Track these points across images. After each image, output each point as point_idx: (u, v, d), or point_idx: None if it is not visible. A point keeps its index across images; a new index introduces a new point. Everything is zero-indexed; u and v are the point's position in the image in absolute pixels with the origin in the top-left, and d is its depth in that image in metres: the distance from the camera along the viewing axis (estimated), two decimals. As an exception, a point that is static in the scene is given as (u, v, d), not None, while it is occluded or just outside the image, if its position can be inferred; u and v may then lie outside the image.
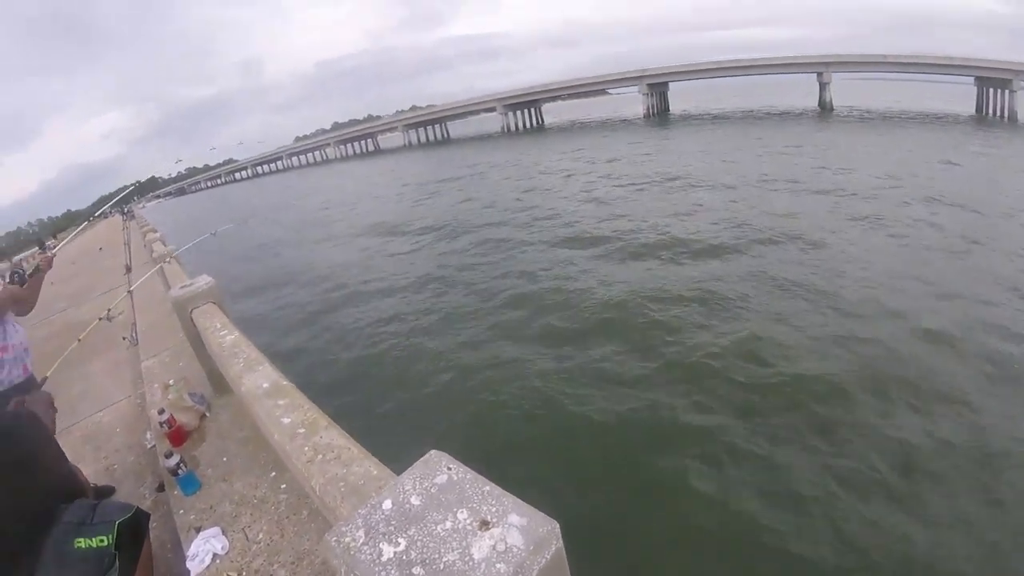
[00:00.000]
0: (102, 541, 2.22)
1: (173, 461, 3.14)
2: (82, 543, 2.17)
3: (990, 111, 47.88)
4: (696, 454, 5.74)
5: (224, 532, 2.72)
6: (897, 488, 5.10)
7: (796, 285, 9.84)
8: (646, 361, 7.74)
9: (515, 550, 0.93)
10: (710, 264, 11.51)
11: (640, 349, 8.10)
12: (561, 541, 0.97)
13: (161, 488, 3.52)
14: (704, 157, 27.97)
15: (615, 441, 6.14)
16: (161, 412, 3.70)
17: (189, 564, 2.61)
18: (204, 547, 2.66)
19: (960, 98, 55.94)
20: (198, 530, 2.80)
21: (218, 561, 2.57)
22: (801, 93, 70.78)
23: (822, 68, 55.79)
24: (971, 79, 49.72)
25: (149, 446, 4.12)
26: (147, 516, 2.66)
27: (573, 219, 17.29)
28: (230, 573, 2.45)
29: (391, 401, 7.68)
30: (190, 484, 3.17)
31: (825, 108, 55.43)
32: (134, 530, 2.43)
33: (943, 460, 5.41)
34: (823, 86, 56.39)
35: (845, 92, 69.56)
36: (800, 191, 18.00)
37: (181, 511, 3.02)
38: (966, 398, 6.33)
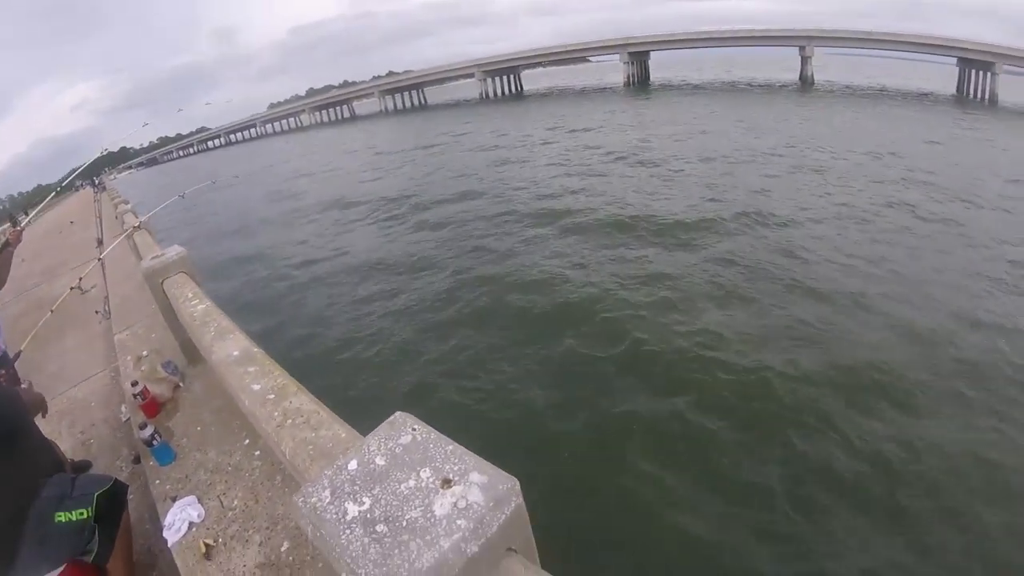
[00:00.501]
0: (82, 514, 2.22)
1: (147, 432, 3.13)
2: (63, 517, 2.17)
3: (971, 93, 48.27)
4: (651, 429, 5.86)
5: (200, 500, 2.73)
6: (854, 478, 5.17)
7: (760, 267, 9.78)
8: (608, 342, 7.67)
9: (476, 506, 0.95)
10: (674, 242, 11.39)
11: (601, 328, 8.03)
12: (521, 497, 0.98)
13: (137, 460, 3.50)
14: (680, 129, 27.72)
15: (580, 416, 6.22)
16: (134, 384, 3.65)
17: (166, 533, 2.62)
18: (180, 516, 2.67)
19: (942, 78, 56.12)
20: (174, 499, 2.80)
21: (194, 529, 2.58)
22: (782, 67, 70.28)
23: (804, 42, 55.53)
24: (954, 60, 50.01)
25: (124, 419, 4.08)
26: (125, 487, 2.66)
27: (543, 192, 16.96)
28: (206, 540, 2.46)
29: (355, 371, 7.66)
30: (165, 454, 3.16)
31: (806, 82, 55.44)
32: (113, 502, 2.44)
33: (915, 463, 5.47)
34: (805, 60, 56.30)
35: (830, 68, 69.52)
36: (772, 166, 17.93)
37: (157, 481, 3.02)
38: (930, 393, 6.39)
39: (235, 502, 2.62)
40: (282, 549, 2.27)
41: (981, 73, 46.84)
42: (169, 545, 2.55)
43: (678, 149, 21.99)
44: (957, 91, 49.91)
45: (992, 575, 4.15)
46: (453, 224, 14.73)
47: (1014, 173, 16.80)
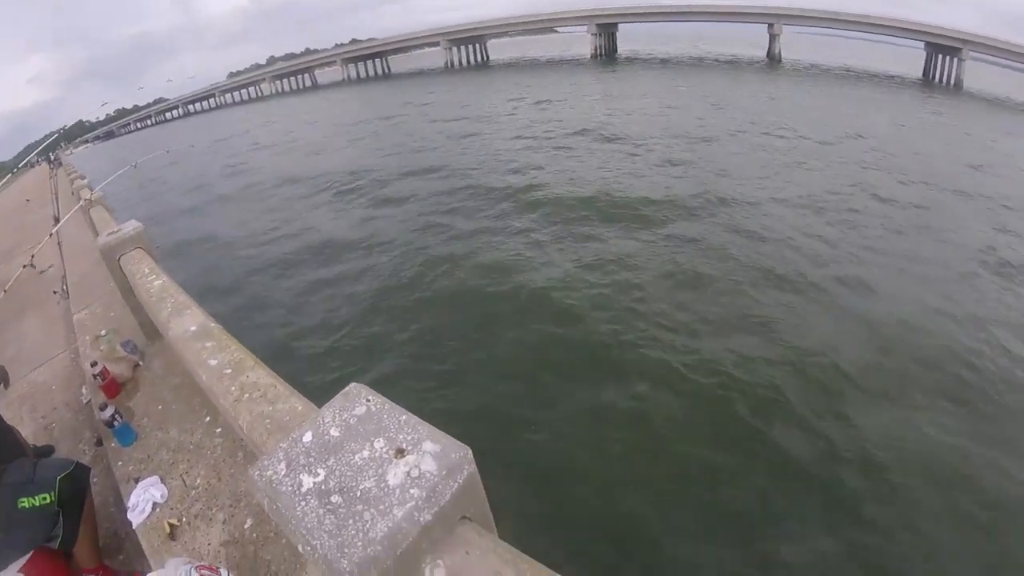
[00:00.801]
0: (45, 499, 2.18)
1: (108, 413, 3.06)
2: (26, 503, 2.14)
3: (937, 77, 49.41)
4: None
5: (162, 480, 2.69)
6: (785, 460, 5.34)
7: (720, 246, 9.85)
8: (562, 320, 7.72)
9: (428, 475, 0.94)
10: (634, 221, 11.30)
11: (556, 308, 8.05)
12: (474, 465, 0.98)
13: (100, 442, 3.43)
14: (646, 103, 27.56)
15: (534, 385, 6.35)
16: (94, 364, 3.56)
17: (130, 515, 2.59)
18: (143, 496, 2.63)
19: (909, 62, 57.08)
20: (137, 480, 2.76)
21: (158, 510, 2.55)
22: (751, 44, 70.50)
23: (773, 20, 55.75)
24: (921, 44, 50.85)
25: (85, 401, 3.98)
26: (87, 470, 2.61)
27: (505, 167, 16.65)
28: (170, 520, 2.43)
29: (310, 351, 7.62)
30: (126, 435, 3.10)
31: (774, 60, 55.88)
32: (75, 486, 2.40)
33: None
34: (773, 38, 56.53)
35: (798, 46, 69.96)
36: (735, 144, 18.05)
37: (120, 463, 2.97)
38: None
39: (198, 480, 2.59)
40: (246, 526, 2.26)
41: (948, 58, 47.97)
42: (134, 527, 2.52)
43: (643, 124, 21.89)
44: (924, 75, 51.01)
45: (923, 552, 4.37)
46: (413, 200, 14.44)
47: (975, 159, 17.32)
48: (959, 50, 46.00)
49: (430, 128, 26.82)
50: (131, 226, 3.86)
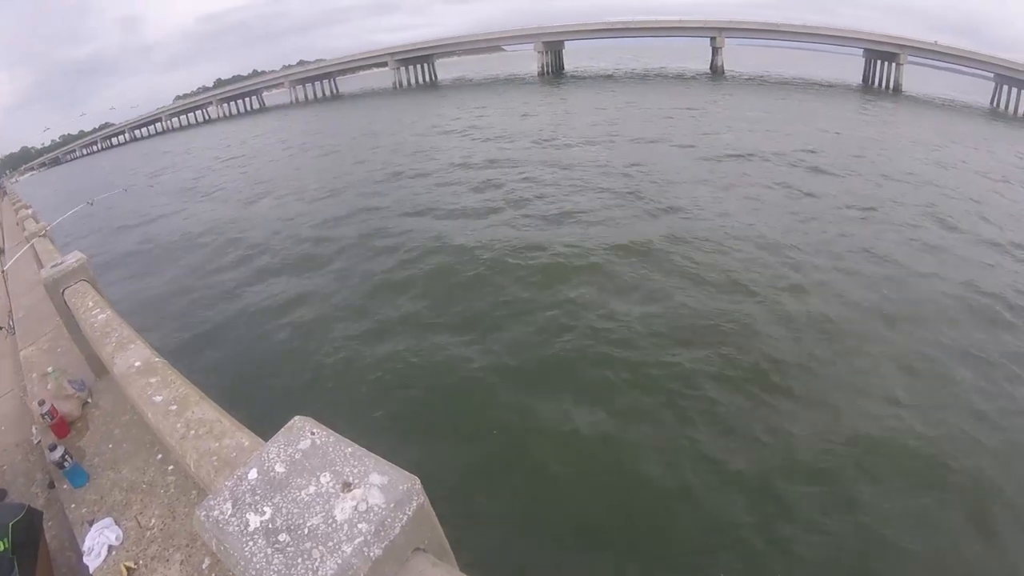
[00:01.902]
0: None
1: (57, 454, 2.92)
2: None
3: (876, 82, 51.88)
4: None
5: (117, 522, 2.58)
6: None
7: (660, 253, 10.02)
8: (501, 327, 7.84)
9: (376, 509, 0.92)
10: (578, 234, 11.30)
11: (493, 316, 8.17)
12: (423, 495, 0.96)
13: (52, 485, 3.27)
14: (594, 120, 27.48)
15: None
16: (42, 403, 3.39)
17: (86, 559, 2.48)
18: (99, 540, 2.52)
19: (849, 69, 59.49)
20: (91, 523, 2.64)
21: (114, 553, 2.44)
22: (694, 58, 72.32)
23: (715, 33, 57.25)
24: (860, 51, 53.07)
25: (36, 441, 3.79)
26: (40, 514, 2.50)
27: (450, 183, 16.57)
28: (127, 563, 2.33)
29: (251, 371, 7.48)
30: (78, 476, 2.96)
31: (717, 72, 57.44)
32: (28, 531, 2.30)
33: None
34: (715, 50, 58.03)
35: (740, 59, 71.98)
36: (679, 157, 18.39)
37: (72, 505, 2.84)
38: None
39: (152, 521, 2.49)
40: (203, 566, 2.17)
41: (886, 63, 50.32)
42: (91, 572, 2.40)
43: (590, 141, 21.75)
44: (863, 81, 53.47)
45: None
46: (363, 219, 14.06)
47: (912, 154, 18.72)
48: (896, 55, 48.35)
49: (372, 152, 25.26)
50: (74, 258, 3.70)
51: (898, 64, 48.50)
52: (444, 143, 24.25)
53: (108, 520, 2.61)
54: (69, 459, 2.94)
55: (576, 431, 5.71)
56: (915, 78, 53.70)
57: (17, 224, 11.69)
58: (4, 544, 2.11)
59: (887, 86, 49.77)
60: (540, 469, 5.27)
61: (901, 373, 6.56)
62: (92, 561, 2.45)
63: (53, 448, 2.95)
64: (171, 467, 2.78)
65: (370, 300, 9.09)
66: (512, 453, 5.52)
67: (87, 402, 3.63)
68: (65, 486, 2.96)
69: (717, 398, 6.06)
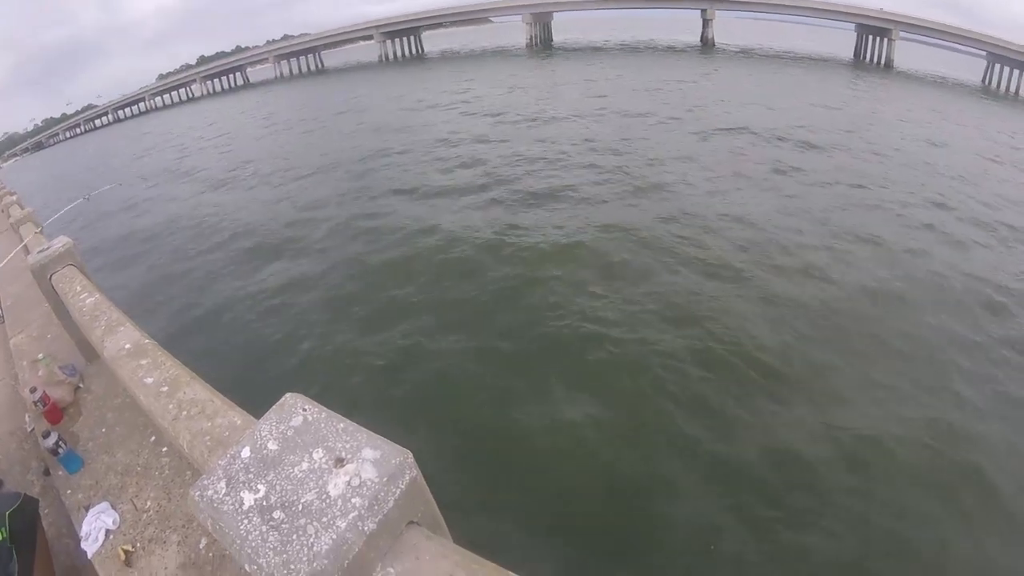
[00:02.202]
0: None
1: (51, 441, 2.92)
2: None
3: (868, 57, 51.55)
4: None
5: (113, 506, 2.58)
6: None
7: (652, 235, 9.87)
8: (485, 311, 7.79)
9: (369, 483, 0.92)
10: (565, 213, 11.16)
11: (481, 299, 8.11)
12: (416, 469, 0.96)
13: (47, 472, 3.27)
14: (584, 95, 26.66)
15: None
16: (33, 390, 3.38)
17: (84, 544, 2.49)
18: (96, 524, 2.53)
19: (841, 43, 58.92)
20: (87, 508, 2.64)
21: (111, 537, 2.45)
22: (684, 30, 71.33)
23: (707, 4, 56.34)
24: (852, 26, 52.67)
25: (29, 429, 3.78)
26: (36, 502, 2.50)
27: (437, 163, 16.08)
28: (124, 547, 2.34)
29: (238, 357, 7.41)
30: (72, 462, 2.97)
31: (707, 44, 56.68)
32: (26, 520, 2.31)
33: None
34: (706, 22, 57.17)
35: (730, 31, 71.19)
36: (669, 131, 18.18)
37: (68, 491, 2.84)
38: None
39: (148, 503, 2.50)
40: (200, 546, 2.19)
41: (878, 39, 50.02)
42: (89, 557, 2.41)
43: (579, 114, 21.30)
44: (855, 56, 53.13)
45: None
46: (345, 200, 13.79)
47: (901, 131, 18.62)
48: (889, 31, 48.07)
49: (354, 131, 24.36)
50: (60, 242, 3.65)
51: (890, 40, 48.30)
52: (431, 118, 23.82)
53: (104, 504, 2.61)
54: (63, 445, 2.94)
55: (566, 416, 5.70)
56: (906, 54, 53.34)
57: (2, 211, 11.53)
58: (2, 534, 2.11)
59: (879, 61, 49.56)
60: (530, 451, 5.30)
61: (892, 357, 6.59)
62: (90, 546, 2.46)
63: (47, 435, 2.95)
64: (165, 449, 2.78)
65: (356, 281, 8.99)
66: (502, 437, 5.52)
67: (79, 387, 3.62)
68: (60, 472, 2.96)
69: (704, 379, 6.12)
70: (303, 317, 8.15)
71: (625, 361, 6.45)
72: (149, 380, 1.83)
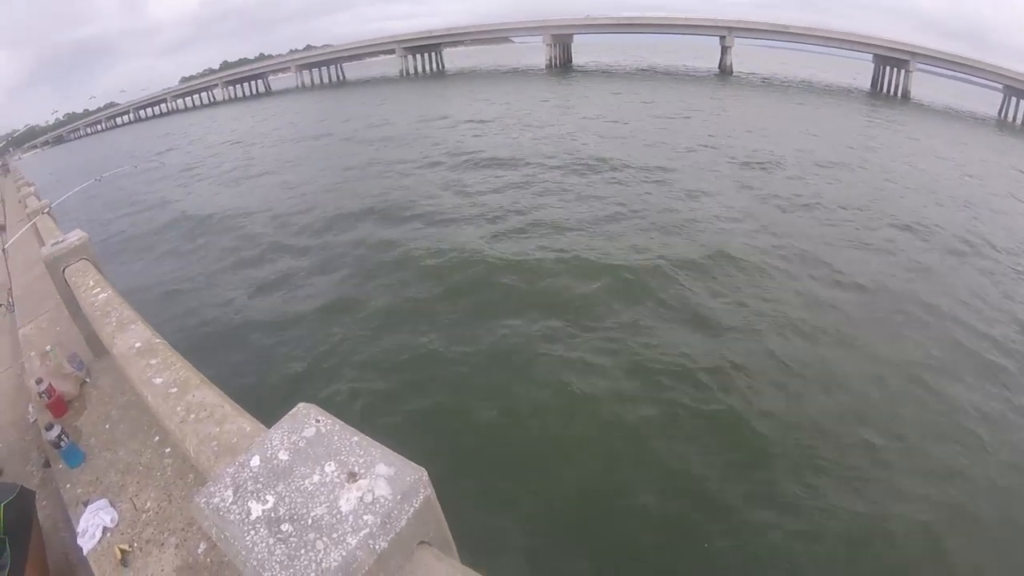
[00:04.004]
0: None
1: (54, 433, 2.90)
2: None
3: (885, 88, 51.56)
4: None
5: (112, 503, 2.56)
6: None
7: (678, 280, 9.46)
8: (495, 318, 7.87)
9: (383, 500, 0.90)
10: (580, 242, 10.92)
11: (486, 313, 8.15)
12: (430, 487, 0.94)
13: (48, 464, 3.25)
14: (604, 120, 26.20)
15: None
16: (39, 382, 3.37)
17: (80, 541, 2.46)
18: (93, 521, 2.50)
19: (857, 73, 58.96)
20: (86, 504, 2.62)
21: (108, 535, 2.42)
22: (701, 56, 71.52)
23: (725, 32, 56.49)
24: (870, 57, 52.75)
25: (32, 420, 3.77)
26: (32, 495, 2.48)
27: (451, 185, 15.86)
28: (121, 546, 2.31)
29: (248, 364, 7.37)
30: (74, 456, 2.95)
31: (725, 72, 56.78)
32: (21, 512, 2.28)
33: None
34: (725, 50, 57.26)
35: (746, 59, 71.35)
36: (693, 158, 18.01)
37: (68, 485, 2.82)
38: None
39: (148, 503, 2.47)
40: (199, 551, 2.16)
41: (895, 70, 50.01)
42: (84, 553, 2.39)
43: (601, 142, 20.72)
44: (872, 86, 53.14)
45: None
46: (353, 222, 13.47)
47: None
48: (907, 62, 48.11)
49: (373, 148, 23.59)
50: (75, 235, 3.67)
51: (907, 71, 48.33)
52: (450, 136, 23.84)
53: (103, 501, 2.59)
54: (65, 438, 2.92)
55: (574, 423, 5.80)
56: (921, 85, 53.20)
57: (19, 202, 11.66)
58: None
59: (895, 92, 49.55)
60: (532, 455, 5.38)
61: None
62: (86, 543, 2.43)
63: (49, 427, 2.93)
64: (168, 450, 2.76)
65: (372, 297, 8.96)
66: (504, 441, 5.59)
67: (85, 381, 3.61)
68: (60, 466, 2.94)
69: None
70: (309, 325, 8.14)
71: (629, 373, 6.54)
72: (158, 380, 1.82)
